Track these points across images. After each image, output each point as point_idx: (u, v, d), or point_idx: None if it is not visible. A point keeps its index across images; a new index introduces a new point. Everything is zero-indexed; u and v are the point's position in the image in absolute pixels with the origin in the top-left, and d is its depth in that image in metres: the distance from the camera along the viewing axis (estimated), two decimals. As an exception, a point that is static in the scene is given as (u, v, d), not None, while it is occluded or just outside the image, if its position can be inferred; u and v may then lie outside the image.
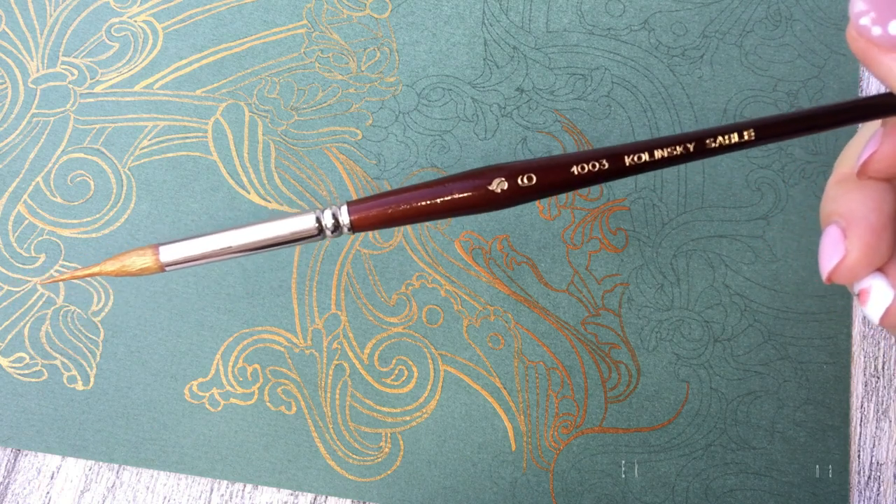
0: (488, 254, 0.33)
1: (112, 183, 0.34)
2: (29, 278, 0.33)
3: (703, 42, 0.35)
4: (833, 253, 0.21)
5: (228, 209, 0.33)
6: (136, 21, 0.35)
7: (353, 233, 0.23)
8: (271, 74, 0.34)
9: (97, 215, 0.33)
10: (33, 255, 0.33)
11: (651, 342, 0.32)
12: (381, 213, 0.22)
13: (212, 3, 0.35)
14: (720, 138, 0.21)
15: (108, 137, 0.34)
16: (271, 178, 0.34)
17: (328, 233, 0.23)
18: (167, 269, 0.22)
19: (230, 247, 0.22)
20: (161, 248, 0.22)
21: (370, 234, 0.33)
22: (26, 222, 0.33)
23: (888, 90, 0.21)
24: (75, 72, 0.34)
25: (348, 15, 0.35)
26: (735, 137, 0.21)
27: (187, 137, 0.34)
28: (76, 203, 0.33)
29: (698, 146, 0.22)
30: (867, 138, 0.23)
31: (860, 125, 0.23)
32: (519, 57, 0.34)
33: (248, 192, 0.34)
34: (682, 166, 0.33)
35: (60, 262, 0.33)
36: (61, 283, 0.33)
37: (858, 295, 0.22)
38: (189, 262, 0.22)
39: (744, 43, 0.34)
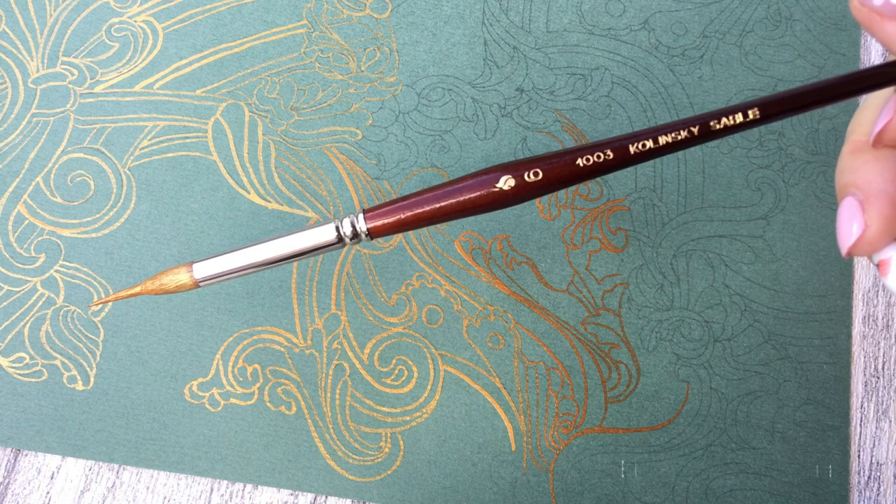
0: (488, 254, 0.33)
1: (112, 183, 0.34)
2: (29, 278, 0.33)
3: (703, 42, 0.35)
4: (851, 226, 0.21)
5: (228, 209, 0.33)
6: (136, 21, 0.35)
7: (372, 239, 0.23)
8: (271, 74, 0.34)
9: (97, 215, 0.33)
10: (33, 255, 0.33)
11: (651, 342, 0.32)
12: (395, 218, 0.23)
13: (212, 3, 0.35)
14: (725, 119, 0.21)
15: (108, 137, 0.34)
16: (271, 178, 0.34)
17: (347, 241, 0.23)
18: (201, 285, 0.24)
19: (257, 261, 0.24)
20: (194, 266, 0.24)
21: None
22: (26, 222, 0.33)
23: (892, 59, 0.21)
24: (75, 72, 0.34)
25: (348, 15, 0.35)
26: (740, 117, 0.21)
27: (187, 137, 0.34)
28: (76, 203, 0.33)
29: (703, 129, 0.21)
30: (879, 105, 0.22)
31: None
32: (519, 57, 0.34)
33: (248, 192, 0.34)
34: (681, 167, 0.33)
35: (60, 261, 0.33)
36: (61, 283, 0.33)
37: (878, 266, 0.22)
38: (220, 277, 0.24)
39: (744, 43, 0.34)
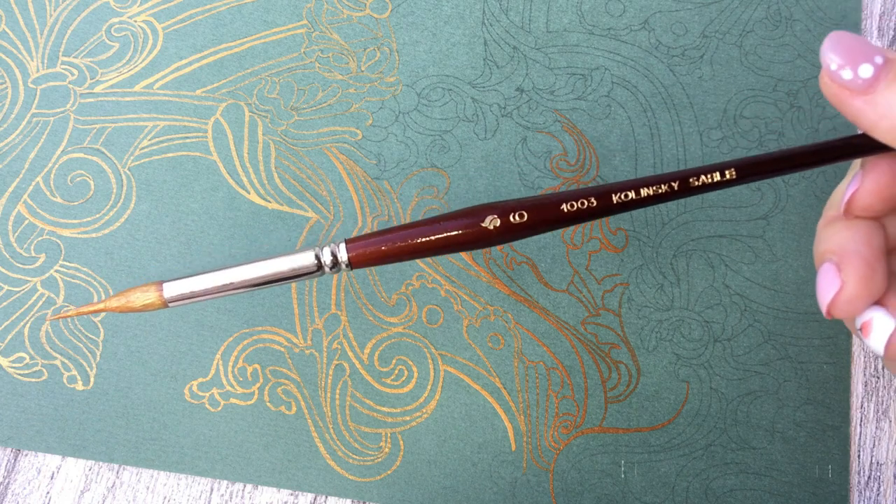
0: (488, 254, 0.33)
1: (112, 183, 0.34)
2: (29, 278, 0.33)
3: (703, 42, 0.35)
4: (830, 287, 0.22)
5: (228, 209, 0.33)
6: (136, 21, 0.35)
7: (352, 269, 0.23)
8: (271, 74, 0.34)
9: (97, 215, 0.33)
10: (33, 255, 0.33)
11: (651, 342, 0.32)
12: (378, 250, 0.23)
13: (212, 3, 0.35)
14: (703, 177, 0.23)
15: (108, 137, 0.34)
16: (271, 178, 0.34)
17: (327, 269, 0.23)
18: (170, 304, 0.23)
19: (232, 283, 0.23)
20: (165, 286, 0.23)
21: (370, 234, 0.33)
22: (26, 222, 0.33)
23: (859, 132, 0.22)
24: (75, 72, 0.34)
25: (348, 15, 0.35)
26: (717, 177, 0.23)
27: (187, 137, 0.34)
28: (76, 203, 0.33)
29: (682, 185, 0.23)
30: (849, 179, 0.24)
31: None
32: (519, 57, 0.34)
33: (248, 192, 0.34)
34: (681, 167, 0.33)
35: (60, 261, 0.33)
36: (61, 283, 0.33)
37: (861, 329, 0.23)
38: (192, 298, 0.23)
39: (744, 43, 0.34)
